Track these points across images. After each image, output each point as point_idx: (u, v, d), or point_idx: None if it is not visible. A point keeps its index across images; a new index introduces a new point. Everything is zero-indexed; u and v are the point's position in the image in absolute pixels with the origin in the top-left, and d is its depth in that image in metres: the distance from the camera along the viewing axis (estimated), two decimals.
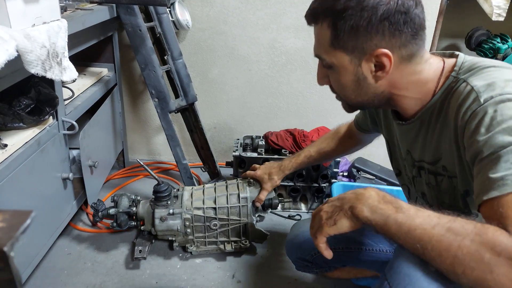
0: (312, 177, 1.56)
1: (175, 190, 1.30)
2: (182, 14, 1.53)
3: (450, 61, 0.71)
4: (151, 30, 1.44)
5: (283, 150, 1.53)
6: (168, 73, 1.50)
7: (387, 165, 1.84)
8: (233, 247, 1.30)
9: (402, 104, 0.74)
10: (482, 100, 0.59)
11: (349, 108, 0.78)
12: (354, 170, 1.77)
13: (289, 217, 1.57)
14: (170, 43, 1.44)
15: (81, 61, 1.54)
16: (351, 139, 1.16)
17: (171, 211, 1.22)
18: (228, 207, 1.24)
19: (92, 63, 1.56)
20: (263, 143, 1.58)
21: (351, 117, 1.78)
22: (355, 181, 1.74)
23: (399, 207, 0.58)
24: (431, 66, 0.70)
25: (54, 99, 1.08)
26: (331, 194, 1.53)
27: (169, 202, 1.23)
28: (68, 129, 1.20)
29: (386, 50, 0.65)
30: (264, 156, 1.50)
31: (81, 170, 1.27)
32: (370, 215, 0.60)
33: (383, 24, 0.64)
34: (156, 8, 1.39)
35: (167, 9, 1.44)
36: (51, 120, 1.12)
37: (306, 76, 1.73)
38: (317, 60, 0.75)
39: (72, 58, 1.49)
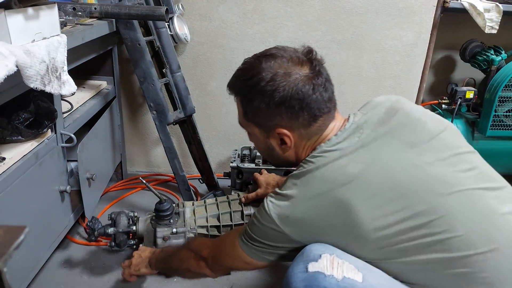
0: None
1: (175, 205, 1.27)
2: (180, 28, 1.55)
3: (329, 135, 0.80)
4: (150, 44, 1.46)
5: None
6: (167, 86, 1.51)
7: None
8: None
9: None
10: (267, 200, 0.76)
11: (272, 164, 0.96)
12: None
13: None
14: (168, 57, 1.46)
15: (81, 74, 1.56)
16: None
17: (174, 230, 1.17)
18: (232, 225, 1.22)
19: (92, 76, 1.58)
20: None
21: None
22: None
23: (163, 254, 1.04)
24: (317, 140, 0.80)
25: (53, 113, 1.09)
26: None
27: (171, 220, 1.19)
28: (67, 142, 1.21)
29: (285, 130, 0.76)
30: (261, 166, 1.51)
31: (79, 182, 1.27)
32: (157, 265, 1.04)
33: (280, 108, 0.73)
34: (155, 23, 1.42)
35: (166, 24, 1.47)
36: (49, 133, 1.13)
37: None
38: None
39: (72, 71, 1.51)
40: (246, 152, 1.65)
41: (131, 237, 1.23)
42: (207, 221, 1.22)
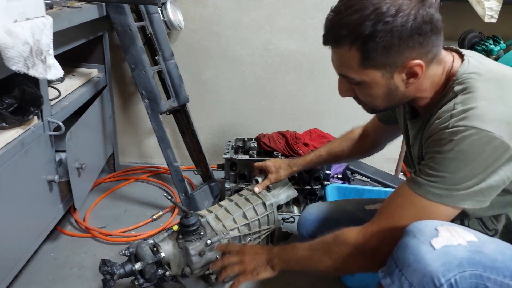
0: (304, 180, 1.54)
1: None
2: (174, 14, 1.50)
3: (456, 63, 0.75)
4: (142, 30, 1.41)
5: (275, 152, 1.51)
6: (160, 74, 1.47)
7: (382, 167, 1.83)
8: None
9: (419, 103, 0.79)
10: (450, 125, 0.67)
11: (373, 111, 0.83)
12: (348, 172, 1.74)
13: (283, 220, 1.54)
14: (161, 43, 1.41)
15: (71, 61, 1.51)
16: (365, 140, 1.15)
17: (208, 241, 1.04)
18: (259, 218, 1.18)
19: (82, 64, 1.53)
20: (255, 145, 1.56)
21: (345, 119, 1.77)
22: (349, 183, 1.71)
23: (290, 252, 0.89)
24: (444, 66, 0.75)
25: (39, 99, 1.05)
26: (325, 197, 1.50)
27: (201, 233, 1.06)
28: (54, 130, 1.16)
29: (418, 61, 0.69)
30: (255, 158, 1.48)
31: (69, 172, 1.24)
32: (283, 266, 0.90)
33: (413, 38, 0.67)
34: (147, 8, 1.37)
35: (159, 9, 1.42)
36: (36, 120, 1.09)
37: (300, 78, 1.71)
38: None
39: (61, 58, 1.46)
40: (240, 143, 1.61)
41: (161, 267, 1.05)
42: (235, 222, 1.15)
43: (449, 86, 0.72)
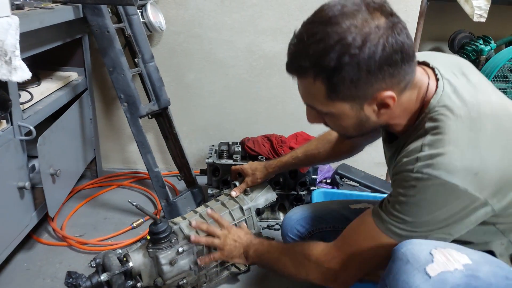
0: (289, 185, 1.49)
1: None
2: (155, 16, 1.47)
3: (431, 85, 0.70)
4: (122, 32, 1.38)
5: (259, 157, 1.47)
6: (140, 76, 1.43)
7: (372, 171, 1.79)
8: (246, 265, 1.18)
9: (394, 129, 0.75)
10: (415, 170, 0.63)
11: (346, 138, 0.82)
12: (337, 177, 1.70)
13: (268, 227, 1.50)
14: (140, 45, 1.38)
15: (50, 64, 1.48)
16: (343, 143, 1.10)
17: (180, 249, 1.00)
18: (235, 223, 1.13)
19: (61, 67, 1.50)
20: (240, 149, 1.52)
21: None
22: (338, 188, 1.67)
23: (266, 248, 0.91)
24: (419, 90, 0.70)
25: (7, 102, 1.01)
26: (312, 202, 1.46)
27: (172, 240, 1.02)
28: (26, 135, 1.12)
29: (389, 93, 0.64)
30: (239, 163, 1.44)
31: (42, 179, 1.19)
32: (256, 260, 0.93)
33: (382, 70, 0.62)
34: (125, 9, 1.34)
35: (138, 11, 1.39)
36: (4, 124, 1.04)
37: (285, 81, 1.66)
38: None
39: (39, 61, 1.44)
40: (224, 147, 1.57)
41: (130, 277, 1.02)
42: None
43: (421, 119, 0.68)
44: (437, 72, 0.70)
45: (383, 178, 1.84)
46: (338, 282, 0.76)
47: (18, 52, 0.93)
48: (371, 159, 1.85)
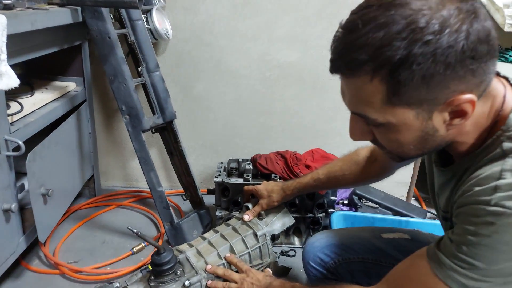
0: (306, 207, 1.35)
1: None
2: (161, 22, 1.36)
3: (509, 97, 0.56)
4: (125, 39, 1.27)
5: (273, 175, 1.33)
6: (144, 87, 1.32)
7: (392, 191, 1.64)
8: None
9: (455, 149, 0.60)
10: (492, 202, 0.49)
11: (400, 159, 0.63)
12: (355, 198, 1.56)
13: (282, 253, 1.35)
14: (145, 53, 1.26)
15: (45, 74, 1.36)
16: (373, 164, 0.95)
17: (187, 282, 0.89)
18: (249, 251, 1.01)
19: (59, 77, 1.38)
20: (251, 167, 1.38)
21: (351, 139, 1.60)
22: (356, 210, 1.53)
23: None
24: (492, 102, 0.56)
25: None
26: (330, 226, 1.32)
27: (178, 272, 0.91)
28: (14, 150, 1.00)
29: (469, 96, 0.50)
30: (251, 182, 1.30)
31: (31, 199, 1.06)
32: None
33: (464, 64, 0.48)
34: (129, 14, 1.23)
35: (143, 16, 1.28)
36: None
37: (301, 92, 1.55)
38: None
39: (34, 70, 1.33)
40: (234, 165, 1.44)
41: None
42: (220, 258, 0.98)
43: (497, 137, 0.54)
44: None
45: (404, 199, 1.69)
46: None
47: (4, 56, 0.82)
48: (391, 178, 1.66)
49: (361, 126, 0.58)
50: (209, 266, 0.94)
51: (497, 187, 0.49)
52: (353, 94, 0.54)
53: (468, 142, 0.57)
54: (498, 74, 0.58)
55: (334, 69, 0.54)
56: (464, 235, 0.51)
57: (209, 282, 0.91)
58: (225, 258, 0.98)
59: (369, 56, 0.48)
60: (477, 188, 0.51)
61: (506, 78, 0.58)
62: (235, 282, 0.90)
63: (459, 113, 0.51)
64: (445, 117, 0.52)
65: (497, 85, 0.56)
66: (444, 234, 0.57)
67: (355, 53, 0.49)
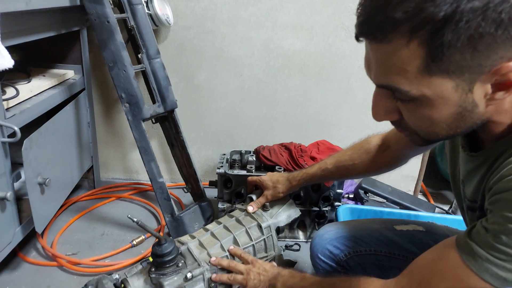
0: (311, 200, 1.31)
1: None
2: (161, 8, 1.32)
3: None
4: (124, 24, 1.23)
5: (277, 167, 1.29)
6: (144, 75, 1.28)
7: (398, 185, 1.60)
8: None
9: (489, 131, 0.54)
10: None
11: (424, 143, 0.56)
12: (361, 192, 1.52)
13: (286, 247, 1.31)
14: (145, 39, 1.22)
15: (43, 61, 1.33)
16: (384, 153, 0.90)
17: (189, 275, 0.85)
18: (253, 244, 0.97)
19: (57, 64, 1.35)
20: (254, 159, 1.34)
21: (358, 130, 1.55)
22: (362, 204, 1.49)
23: (297, 283, 0.74)
24: None
25: None
26: (337, 219, 1.28)
27: (179, 264, 0.87)
28: (9, 137, 0.96)
29: None
30: (254, 174, 1.26)
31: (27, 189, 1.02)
32: None
33: None
34: None
35: (143, 1, 1.24)
36: None
37: (305, 82, 1.50)
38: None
39: (31, 57, 1.29)
40: (236, 157, 1.40)
41: None
42: (224, 249, 0.94)
43: None
44: None
45: (411, 193, 1.65)
46: None
47: None
48: (398, 172, 1.64)
49: (386, 103, 0.52)
50: (213, 259, 0.89)
51: None
52: (382, 63, 0.48)
53: (505, 123, 0.51)
54: None
55: (362, 33, 0.47)
56: (504, 223, 0.46)
57: (214, 275, 0.87)
58: (228, 251, 0.93)
59: (408, 14, 0.42)
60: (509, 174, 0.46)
61: None
62: (241, 273, 0.85)
63: (503, 85, 0.45)
64: (487, 89, 0.46)
65: None
66: (472, 224, 0.52)
67: (390, 11, 0.43)
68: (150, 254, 1.18)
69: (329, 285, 0.67)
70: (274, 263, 0.92)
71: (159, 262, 0.84)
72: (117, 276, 0.85)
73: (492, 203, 0.49)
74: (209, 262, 0.89)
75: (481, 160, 0.56)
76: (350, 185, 1.59)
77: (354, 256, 0.87)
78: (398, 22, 0.43)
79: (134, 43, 1.27)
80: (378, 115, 0.54)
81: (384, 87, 0.50)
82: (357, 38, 0.49)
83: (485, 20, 0.41)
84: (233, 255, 0.93)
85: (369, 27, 0.46)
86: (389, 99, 0.51)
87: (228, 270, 0.89)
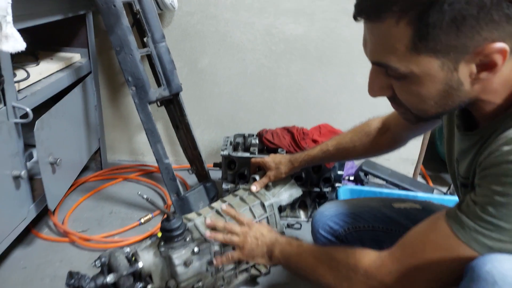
0: (312, 181, 1.35)
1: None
2: None
3: None
4: (130, 9, 1.25)
5: (279, 150, 1.33)
6: (149, 59, 1.31)
7: (398, 168, 1.64)
8: (267, 266, 1.07)
9: (480, 110, 0.57)
10: None
11: (416, 120, 0.60)
12: (361, 174, 1.56)
13: (288, 226, 1.36)
14: (150, 23, 1.25)
15: (50, 45, 1.36)
16: (384, 135, 0.94)
17: (196, 249, 0.89)
18: (257, 221, 1.01)
19: (64, 48, 1.38)
20: (257, 141, 1.38)
21: (358, 113, 1.58)
22: (362, 185, 1.53)
23: (294, 250, 0.76)
24: None
25: None
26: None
27: (187, 239, 0.91)
28: (22, 118, 1.00)
29: (502, 45, 0.46)
30: (257, 156, 1.30)
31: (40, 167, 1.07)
32: (282, 262, 0.78)
33: (500, 7, 0.45)
34: None
35: None
36: None
37: (307, 66, 1.53)
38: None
39: (38, 41, 1.32)
40: (240, 140, 1.44)
41: (140, 279, 0.91)
42: None
43: None
44: None
45: (410, 176, 1.69)
46: None
47: (10, 18, 0.81)
48: (398, 155, 1.70)
49: (380, 80, 0.56)
50: (208, 220, 0.90)
51: None
52: (376, 41, 0.52)
53: (496, 102, 0.54)
54: None
55: (358, 12, 0.51)
56: (491, 196, 0.50)
57: (208, 232, 0.88)
58: (222, 211, 0.94)
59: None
60: (506, 148, 0.49)
61: None
62: (237, 235, 0.85)
63: (487, 65, 0.49)
64: (472, 69, 0.50)
65: None
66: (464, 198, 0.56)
67: None
68: (158, 230, 1.24)
69: (325, 254, 0.70)
70: (271, 227, 0.92)
71: (167, 237, 0.88)
72: (128, 249, 0.90)
73: (481, 177, 0.53)
74: (205, 223, 0.91)
75: (475, 139, 0.60)
76: (350, 167, 1.63)
77: (353, 231, 0.92)
78: (390, 2, 0.47)
79: (139, 27, 1.30)
80: (372, 91, 0.58)
81: (377, 64, 0.54)
82: (355, 17, 0.52)
83: (469, 3, 0.44)
84: (228, 215, 0.94)
85: (366, 6, 0.50)
86: (383, 76, 0.55)
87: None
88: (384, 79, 0.56)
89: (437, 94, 0.53)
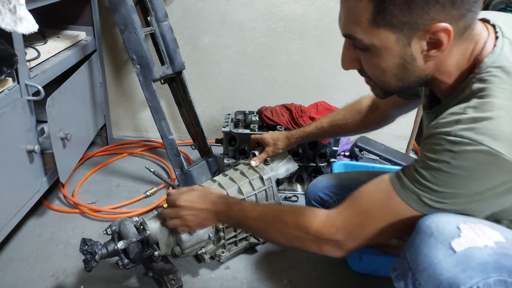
0: (308, 156, 1.42)
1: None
2: None
3: (489, 44, 0.60)
4: None
5: (278, 127, 1.39)
6: (153, 37, 1.34)
7: (392, 144, 1.71)
8: None
9: (439, 88, 0.65)
10: (452, 133, 0.54)
11: (383, 94, 0.68)
12: (356, 150, 1.63)
13: (285, 198, 1.44)
14: (153, 2, 1.28)
15: (57, 23, 1.39)
16: (374, 113, 1.01)
17: None
18: (255, 193, 1.09)
19: (69, 26, 1.41)
20: (257, 118, 1.44)
21: (354, 93, 1.63)
22: (357, 161, 1.60)
23: (238, 214, 0.81)
24: (475, 46, 0.60)
25: (12, 57, 0.93)
26: None
27: None
28: (34, 95, 1.05)
29: (445, 25, 0.54)
30: (257, 132, 1.36)
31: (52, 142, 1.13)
32: (229, 223, 0.90)
33: None
34: None
35: None
36: (10, 82, 0.98)
37: (306, 46, 1.57)
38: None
39: (44, 19, 1.35)
40: (240, 117, 1.49)
41: (148, 246, 0.97)
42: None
43: (469, 80, 0.59)
44: (497, 29, 0.61)
45: (403, 151, 1.77)
46: (341, 252, 0.68)
47: (23, 0, 0.85)
48: (392, 132, 1.76)
49: (350, 52, 0.63)
50: (155, 213, 0.98)
51: (459, 120, 0.55)
52: (346, 14, 0.59)
53: (448, 83, 0.62)
54: (487, 21, 0.63)
55: None
56: (426, 161, 0.57)
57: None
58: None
59: None
60: (441, 121, 0.57)
61: (493, 26, 0.62)
62: (175, 219, 0.89)
63: (435, 44, 0.56)
64: (422, 45, 0.57)
65: (482, 31, 0.60)
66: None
67: None
68: (163, 202, 1.32)
69: (273, 217, 0.75)
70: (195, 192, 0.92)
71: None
72: (136, 218, 0.97)
73: (421, 146, 0.61)
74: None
75: (432, 117, 0.67)
76: (346, 143, 1.70)
77: (341, 202, 1.00)
78: None
79: (143, 6, 1.33)
80: (344, 63, 0.65)
81: (347, 36, 0.61)
82: None
83: None
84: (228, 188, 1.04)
85: None
86: (352, 49, 0.62)
87: None
88: (353, 52, 0.63)
89: (395, 67, 0.60)
